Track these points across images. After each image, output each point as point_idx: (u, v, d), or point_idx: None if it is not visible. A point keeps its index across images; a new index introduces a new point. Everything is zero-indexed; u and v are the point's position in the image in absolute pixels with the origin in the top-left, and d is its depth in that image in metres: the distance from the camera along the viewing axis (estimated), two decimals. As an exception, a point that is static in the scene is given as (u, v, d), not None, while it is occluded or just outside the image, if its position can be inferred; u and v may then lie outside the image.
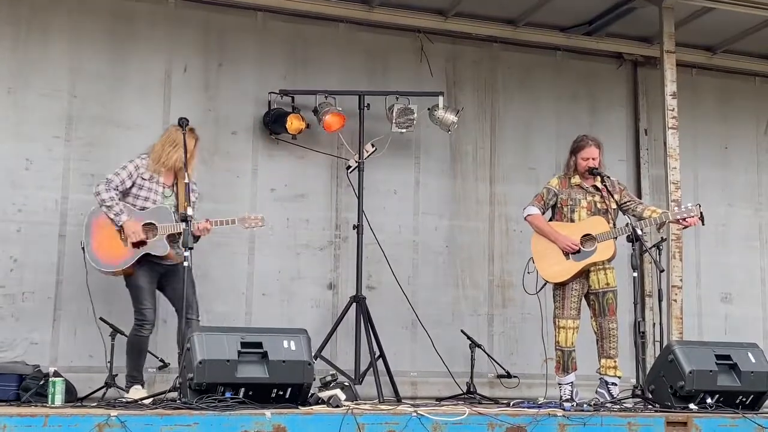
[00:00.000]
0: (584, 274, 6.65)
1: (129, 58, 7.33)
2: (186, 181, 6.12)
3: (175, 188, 6.34)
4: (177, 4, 7.50)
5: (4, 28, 7.02)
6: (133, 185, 6.25)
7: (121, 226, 6.14)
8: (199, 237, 6.24)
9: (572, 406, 5.58)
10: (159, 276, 6.27)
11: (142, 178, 6.26)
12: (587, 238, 6.61)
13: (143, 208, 6.23)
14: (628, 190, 7.04)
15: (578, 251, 6.59)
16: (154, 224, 6.19)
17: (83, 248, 6.22)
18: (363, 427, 4.89)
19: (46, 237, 6.95)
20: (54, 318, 6.89)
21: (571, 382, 6.63)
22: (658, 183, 8.45)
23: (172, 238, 6.20)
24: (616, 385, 6.60)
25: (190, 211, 5.81)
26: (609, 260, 6.66)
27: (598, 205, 6.75)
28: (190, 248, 5.73)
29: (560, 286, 6.65)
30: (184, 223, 5.80)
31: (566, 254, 6.61)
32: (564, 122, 8.50)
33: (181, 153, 6.13)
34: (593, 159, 6.74)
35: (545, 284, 6.77)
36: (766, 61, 9.08)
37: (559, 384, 6.66)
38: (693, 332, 8.21)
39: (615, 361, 6.63)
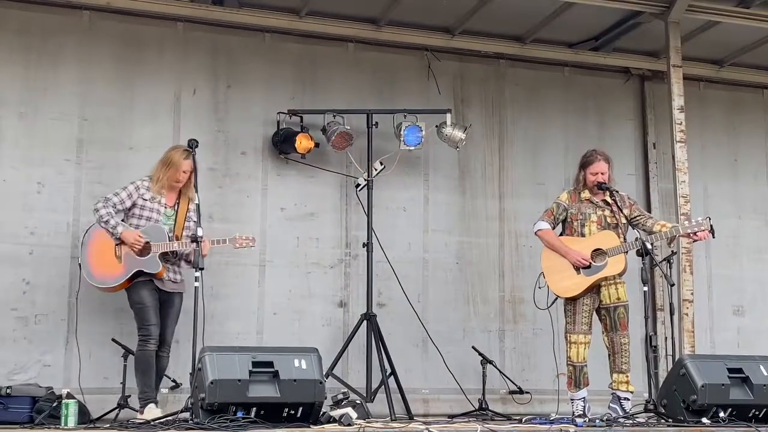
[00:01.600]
0: (595, 288, 6.64)
1: (138, 81, 7.39)
2: (196, 201, 6.19)
3: (176, 209, 6.39)
4: (185, 28, 7.57)
5: (15, 54, 7.09)
6: (134, 206, 6.33)
7: (119, 239, 6.20)
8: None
9: (585, 421, 5.58)
10: (158, 297, 6.31)
11: (143, 199, 6.34)
12: (598, 252, 6.61)
13: (138, 227, 6.31)
14: (638, 204, 7.04)
15: (589, 266, 6.59)
16: (149, 242, 6.23)
17: (80, 265, 6.33)
18: (375, 445, 4.90)
19: (59, 259, 6.99)
20: (66, 340, 6.92)
21: (584, 398, 6.61)
22: (668, 196, 8.45)
23: (166, 258, 6.27)
24: (628, 400, 6.57)
25: (200, 232, 5.86)
26: (620, 275, 6.64)
27: (608, 220, 6.75)
28: (201, 269, 5.77)
29: (571, 301, 6.64)
30: (195, 244, 5.89)
31: (577, 269, 6.61)
32: (572, 137, 8.52)
33: (174, 172, 6.28)
34: (602, 174, 6.75)
35: (556, 299, 6.76)
36: (774, 74, 9.10)
37: (572, 399, 6.64)
38: (705, 346, 8.19)
39: (627, 376, 6.61)
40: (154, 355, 6.20)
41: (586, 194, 6.80)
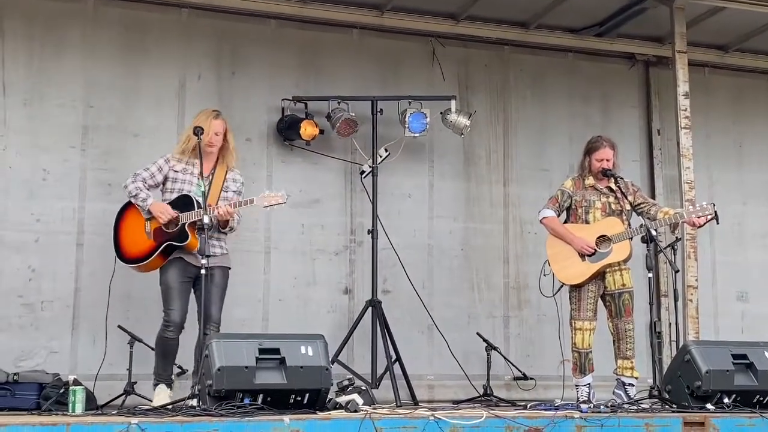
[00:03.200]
0: (600, 275, 6.65)
1: (143, 68, 7.38)
2: (238, 178, 6.14)
3: (211, 178, 6.16)
4: (189, 14, 7.56)
5: (20, 41, 7.09)
6: (166, 180, 6.16)
7: (149, 212, 6.04)
8: (227, 222, 6.09)
9: (589, 407, 5.59)
10: (193, 278, 6.07)
11: (174, 171, 6.16)
12: (603, 239, 6.61)
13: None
14: (642, 191, 7.03)
15: (594, 253, 6.60)
16: (176, 213, 6.03)
17: (115, 249, 6.17)
18: (381, 431, 4.92)
19: (64, 246, 7.01)
20: (73, 326, 6.94)
21: (589, 384, 6.63)
22: (672, 183, 8.45)
23: (199, 229, 5.84)
24: (633, 386, 6.59)
25: (206, 219, 5.77)
26: (625, 261, 6.65)
27: (613, 206, 6.75)
28: (208, 256, 5.71)
29: (576, 288, 6.65)
30: (200, 231, 5.76)
31: (582, 256, 6.62)
32: (577, 124, 8.51)
33: (204, 135, 6.02)
34: (607, 160, 6.75)
35: (561, 287, 6.77)
36: (780, 59, 9.07)
37: (577, 386, 6.66)
38: (709, 332, 8.19)
39: (632, 362, 6.62)
40: (177, 342, 6.07)
41: (590, 181, 6.80)
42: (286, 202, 6.13)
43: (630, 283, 6.68)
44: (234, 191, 6.20)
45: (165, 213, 6.02)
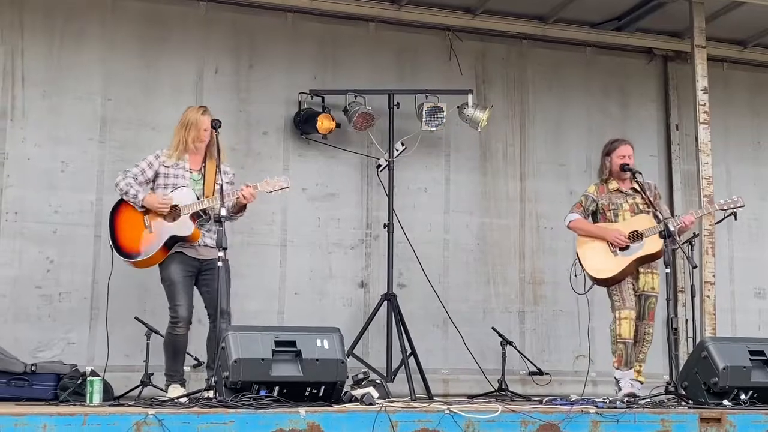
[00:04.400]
0: (635, 274, 6.59)
1: (161, 61, 7.41)
2: (228, 171, 6.10)
3: (203, 172, 6.15)
4: (208, 7, 7.57)
5: (39, 34, 7.12)
6: (157, 176, 6.11)
7: (143, 207, 6.00)
8: (244, 207, 6.10)
9: (604, 402, 5.58)
10: (195, 272, 6.10)
11: (165, 166, 6.09)
12: (635, 234, 6.56)
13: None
14: (661, 200, 6.91)
15: (627, 247, 6.53)
16: (177, 205, 5.99)
17: (111, 247, 6.11)
18: (396, 424, 4.92)
19: (82, 238, 7.05)
20: (90, 318, 6.98)
21: (632, 378, 6.51)
22: (690, 178, 8.42)
23: (199, 221, 5.99)
24: (639, 389, 6.53)
25: (223, 212, 5.77)
26: (657, 256, 6.53)
27: (640, 207, 6.70)
28: (225, 248, 5.72)
29: (615, 281, 6.54)
30: (218, 224, 5.77)
31: (614, 251, 6.55)
32: (594, 118, 8.50)
33: (195, 132, 6.04)
34: (628, 156, 6.72)
35: (593, 285, 6.69)
36: (799, 55, 9.01)
37: (619, 378, 6.51)
38: (726, 328, 8.17)
39: (642, 366, 6.58)
40: (186, 338, 6.05)
41: (613, 185, 6.75)
42: (289, 186, 6.17)
43: (658, 288, 6.64)
44: (227, 182, 6.14)
45: (163, 205, 5.99)
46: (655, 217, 6.55)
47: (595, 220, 6.78)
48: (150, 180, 6.13)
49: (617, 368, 6.55)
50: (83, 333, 6.95)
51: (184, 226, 5.99)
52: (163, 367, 6.19)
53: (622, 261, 6.52)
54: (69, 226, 7.03)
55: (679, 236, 6.63)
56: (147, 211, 6.06)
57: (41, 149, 7.05)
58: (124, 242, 6.10)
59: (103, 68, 7.25)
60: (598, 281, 6.66)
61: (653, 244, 6.52)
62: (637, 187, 6.70)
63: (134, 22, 7.37)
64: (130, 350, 6.59)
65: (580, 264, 6.64)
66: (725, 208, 6.67)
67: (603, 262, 6.56)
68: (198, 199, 6.02)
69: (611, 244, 6.54)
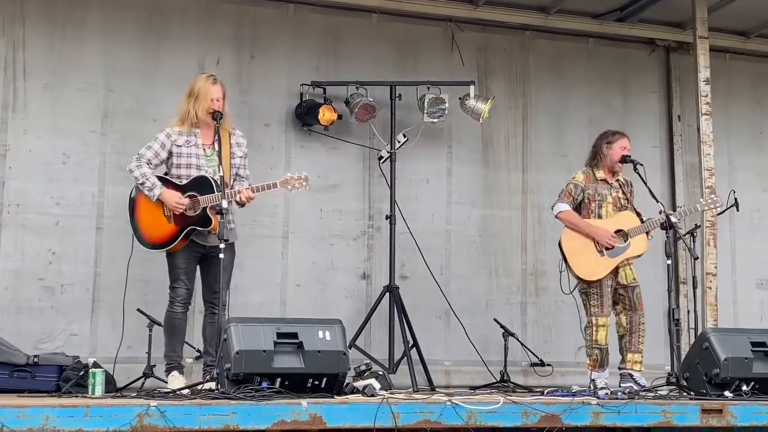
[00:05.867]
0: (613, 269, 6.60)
1: (162, 52, 7.40)
2: (242, 142, 6.08)
3: (216, 146, 6.01)
4: (209, -2, 7.57)
5: (40, 25, 7.11)
6: (170, 155, 6.00)
7: (159, 201, 5.92)
8: (245, 203, 6.06)
9: (607, 393, 5.59)
10: (199, 257, 6.06)
11: (177, 146, 5.99)
12: (619, 233, 6.56)
13: (188, 176, 5.98)
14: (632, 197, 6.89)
15: (613, 247, 6.54)
16: (196, 196, 5.91)
17: (133, 232, 6.06)
18: (398, 416, 4.93)
19: (84, 230, 7.05)
20: (92, 309, 6.99)
21: (606, 377, 6.52)
22: (692, 169, 8.41)
23: (219, 210, 5.80)
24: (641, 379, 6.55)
25: (224, 204, 5.76)
26: (640, 256, 6.59)
27: (621, 201, 6.70)
28: (226, 240, 5.72)
29: (597, 283, 6.54)
30: (219, 216, 5.72)
31: (600, 250, 6.55)
32: (596, 110, 8.49)
33: (203, 102, 5.94)
34: (628, 149, 6.72)
35: (578, 283, 6.67)
36: (801, 45, 8.99)
37: (595, 379, 6.51)
38: (728, 319, 8.16)
39: (641, 356, 6.57)
40: (184, 318, 6.05)
41: (601, 174, 6.74)
42: (309, 185, 6.10)
43: (638, 277, 6.64)
44: (240, 157, 6.09)
45: (180, 203, 5.91)
46: (637, 214, 6.58)
47: (578, 210, 6.71)
48: (164, 161, 6.05)
49: (592, 370, 6.57)
50: (85, 324, 6.97)
51: (205, 219, 5.93)
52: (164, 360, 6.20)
53: (609, 263, 6.51)
54: (71, 217, 7.03)
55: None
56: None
57: (43, 141, 7.04)
58: (146, 230, 6.04)
59: (104, 60, 7.24)
60: (583, 282, 6.61)
61: (639, 244, 6.53)
62: (622, 180, 6.69)
63: (135, 13, 7.36)
64: (132, 342, 6.59)
65: (566, 261, 6.62)
66: (705, 208, 6.76)
67: (590, 262, 6.52)
68: (218, 187, 5.88)
69: (598, 243, 6.53)
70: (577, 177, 6.77)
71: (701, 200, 6.84)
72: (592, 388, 6.39)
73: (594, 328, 6.54)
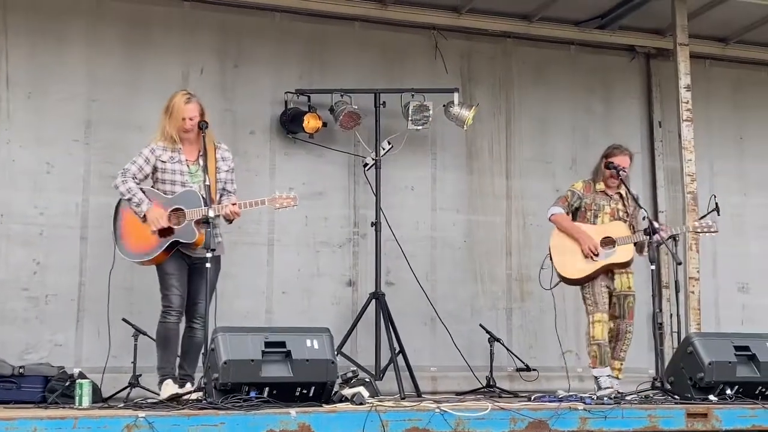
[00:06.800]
0: (609, 274, 6.65)
1: (145, 61, 7.39)
2: (228, 159, 6.03)
3: (201, 162, 5.95)
4: (192, 6, 7.56)
5: (22, 35, 7.08)
6: (155, 170, 5.96)
7: (144, 216, 5.88)
8: (232, 219, 6.02)
9: (593, 398, 5.63)
10: (188, 268, 6.00)
11: (161, 161, 5.94)
12: (607, 240, 6.64)
13: (173, 193, 5.95)
14: (638, 216, 6.91)
15: (597, 254, 6.60)
16: (182, 209, 5.87)
17: (114, 241, 6.01)
18: (387, 423, 4.94)
19: (68, 239, 7.02)
20: (77, 319, 6.97)
21: (609, 374, 6.57)
22: (673, 175, 8.48)
23: (204, 223, 5.77)
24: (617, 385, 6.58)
25: (211, 213, 5.73)
26: (627, 264, 6.66)
27: (621, 213, 6.78)
28: (213, 250, 5.69)
29: (590, 284, 6.63)
30: (207, 224, 5.69)
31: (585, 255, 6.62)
32: (579, 116, 8.56)
33: (175, 122, 5.89)
34: (625, 168, 6.78)
35: (560, 281, 6.77)
36: (780, 51, 9.09)
37: (597, 377, 6.58)
38: (710, 323, 8.22)
39: (622, 364, 6.65)
40: (177, 329, 5.97)
41: (600, 186, 6.82)
42: (297, 205, 6.02)
43: (634, 288, 6.72)
44: (226, 171, 6.07)
45: (157, 222, 5.83)
46: (631, 226, 6.68)
47: (574, 217, 6.82)
48: (149, 175, 6.01)
49: (593, 368, 6.62)
50: (70, 335, 6.94)
51: (188, 232, 5.89)
52: (151, 369, 6.15)
53: (592, 265, 6.59)
54: (55, 227, 7.01)
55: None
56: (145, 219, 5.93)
57: (26, 151, 7.01)
58: (129, 241, 5.99)
59: (87, 69, 7.22)
60: (564, 279, 6.74)
61: (625, 252, 6.60)
62: (623, 193, 6.76)
63: (118, 22, 7.34)
64: (118, 351, 6.56)
65: (551, 258, 6.71)
66: (698, 230, 6.84)
67: (573, 261, 6.63)
68: (203, 198, 5.86)
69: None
70: (576, 185, 6.89)
71: (695, 223, 6.91)
72: (595, 386, 6.45)
73: (591, 325, 6.61)
